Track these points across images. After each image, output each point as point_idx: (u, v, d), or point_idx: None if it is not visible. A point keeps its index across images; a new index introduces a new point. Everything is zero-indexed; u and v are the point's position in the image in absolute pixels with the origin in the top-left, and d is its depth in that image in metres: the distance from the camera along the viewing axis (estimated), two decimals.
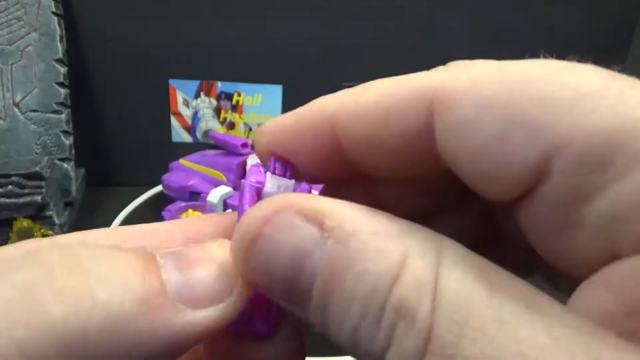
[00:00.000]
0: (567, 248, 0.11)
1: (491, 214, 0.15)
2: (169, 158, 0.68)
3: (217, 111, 0.67)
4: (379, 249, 0.11)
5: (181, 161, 0.59)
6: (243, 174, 0.54)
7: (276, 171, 0.14)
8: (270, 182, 0.14)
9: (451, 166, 0.12)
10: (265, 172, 0.14)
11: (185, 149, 0.68)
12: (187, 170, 0.58)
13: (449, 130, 0.11)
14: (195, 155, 0.60)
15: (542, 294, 0.10)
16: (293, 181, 0.14)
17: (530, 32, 0.64)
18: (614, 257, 0.10)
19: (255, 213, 0.12)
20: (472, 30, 0.64)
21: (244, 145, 0.57)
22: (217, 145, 0.60)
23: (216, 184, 0.54)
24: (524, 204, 0.12)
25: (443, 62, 0.13)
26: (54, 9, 0.57)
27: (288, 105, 0.67)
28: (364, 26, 0.64)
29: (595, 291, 0.11)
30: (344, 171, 0.14)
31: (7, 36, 0.57)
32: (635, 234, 0.10)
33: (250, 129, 0.68)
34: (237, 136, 0.60)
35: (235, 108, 0.67)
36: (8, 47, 0.57)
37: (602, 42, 0.65)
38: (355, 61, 0.65)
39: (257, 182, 0.14)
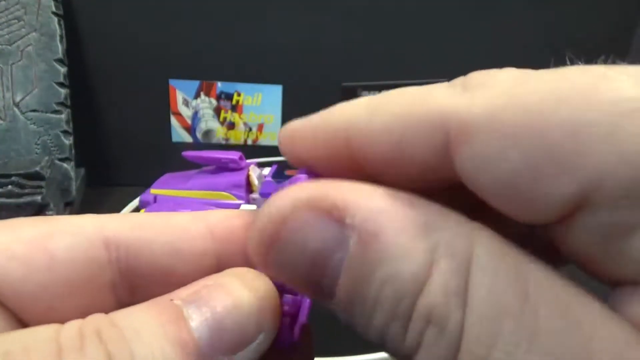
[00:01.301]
0: (607, 269, 0.10)
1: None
2: (169, 158, 0.68)
3: (217, 111, 0.67)
4: (405, 249, 0.10)
5: (155, 191, 0.49)
6: (248, 189, 0.48)
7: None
8: None
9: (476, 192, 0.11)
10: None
11: (185, 149, 0.68)
12: (171, 200, 0.48)
13: (470, 162, 0.10)
14: (172, 181, 0.51)
15: (579, 293, 0.09)
16: None
17: (530, 32, 0.64)
18: None
19: (270, 212, 0.11)
20: (473, 30, 0.64)
21: (241, 158, 0.51)
22: (197, 163, 0.52)
23: (222, 207, 0.48)
24: (559, 229, 0.11)
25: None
26: (54, 9, 0.57)
27: (288, 105, 0.67)
28: (363, 26, 0.64)
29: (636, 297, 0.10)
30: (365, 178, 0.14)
31: (7, 36, 0.57)
32: None
33: (250, 129, 0.68)
34: (225, 151, 0.51)
35: (235, 108, 0.67)
36: (8, 47, 0.57)
37: (602, 42, 0.65)
38: (355, 61, 0.65)
39: None
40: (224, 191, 0.48)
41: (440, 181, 0.12)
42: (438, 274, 0.10)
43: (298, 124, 0.14)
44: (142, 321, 0.11)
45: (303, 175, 0.13)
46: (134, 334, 0.11)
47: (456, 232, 0.10)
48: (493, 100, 0.10)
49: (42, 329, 0.11)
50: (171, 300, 0.12)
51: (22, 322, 0.12)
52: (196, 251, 0.14)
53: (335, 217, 0.11)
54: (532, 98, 0.10)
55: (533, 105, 0.09)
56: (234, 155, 0.49)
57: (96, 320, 0.11)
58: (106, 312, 0.12)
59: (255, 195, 0.47)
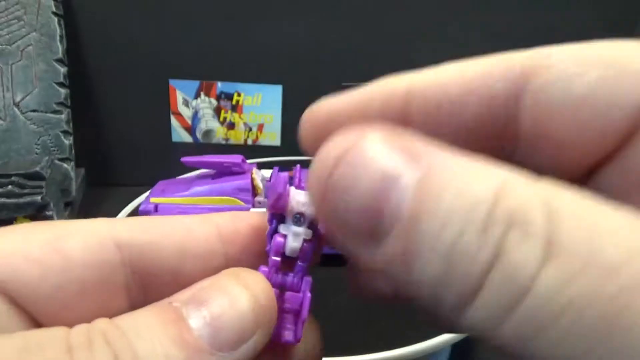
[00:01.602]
0: None
1: None
2: (169, 158, 0.68)
3: (217, 111, 0.67)
4: (479, 170, 0.10)
5: (156, 200, 0.47)
6: (253, 192, 0.48)
7: (302, 182, 0.14)
8: (296, 196, 0.14)
9: (537, 133, 0.12)
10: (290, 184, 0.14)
11: (185, 149, 0.68)
12: (174, 208, 0.47)
13: (548, 85, 0.11)
14: (169, 188, 0.49)
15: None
16: None
17: (530, 32, 0.64)
18: None
19: (337, 139, 0.11)
20: (472, 30, 0.64)
21: (243, 161, 0.50)
22: (192, 167, 0.51)
23: (226, 210, 0.45)
24: (603, 169, 0.11)
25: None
26: (54, 9, 0.57)
27: (288, 105, 0.67)
28: (364, 26, 0.64)
29: None
30: None
31: (7, 36, 0.57)
32: None
33: (250, 129, 0.68)
34: (226, 155, 0.50)
35: (235, 108, 0.67)
36: (8, 47, 0.57)
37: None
38: (355, 61, 0.65)
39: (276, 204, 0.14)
40: (230, 196, 0.47)
41: (492, 144, 0.12)
42: (515, 188, 0.09)
43: (331, 99, 0.14)
44: (143, 323, 0.12)
45: None
46: (136, 334, 0.11)
47: (518, 174, 0.10)
48: (567, 46, 0.12)
49: (54, 330, 0.11)
50: (170, 303, 0.12)
51: (37, 322, 0.12)
52: (204, 252, 0.14)
53: (404, 147, 0.10)
54: (603, 44, 0.11)
55: (606, 45, 0.11)
56: (237, 158, 0.48)
57: (101, 323, 0.12)
58: (119, 312, 0.13)
59: (260, 199, 0.47)
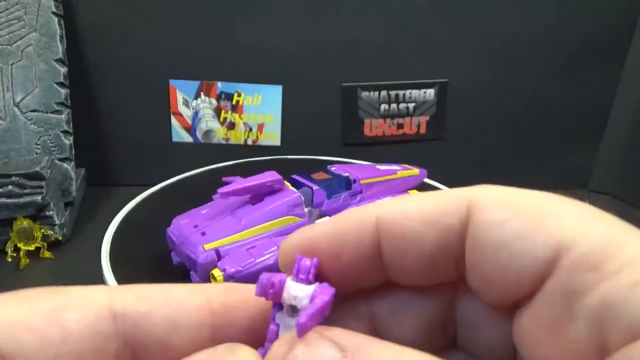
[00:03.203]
0: (559, 348, 0.13)
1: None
2: (169, 158, 0.68)
3: (217, 111, 0.67)
4: (388, 355, 0.12)
5: (211, 245, 0.41)
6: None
7: (299, 273, 0.15)
8: (290, 289, 0.14)
9: (473, 265, 0.14)
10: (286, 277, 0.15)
11: (185, 149, 0.68)
12: (240, 247, 0.41)
13: (481, 225, 0.14)
14: (206, 223, 0.43)
15: None
16: (314, 287, 0.14)
17: (530, 32, 0.64)
18: (604, 354, 0.12)
19: (281, 341, 0.13)
20: (472, 31, 0.64)
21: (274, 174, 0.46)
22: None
23: (292, 230, 0.34)
24: (524, 307, 0.14)
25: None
26: (54, 9, 0.57)
27: (288, 105, 0.67)
28: (363, 26, 0.64)
29: None
30: (375, 277, 0.16)
31: (7, 36, 0.57)
32: (622, 326, 0.11)
33: (250, 129, 0.68)
34: (258, 176, 0.45)
35: (235, 108, 0.67)
36: (8, 47, 0.57)
37: (602, 42, 0.65)
38: (355, 61, 0.65)
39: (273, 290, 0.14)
40: (286, 215, 0.44)
41: (440, 276, 0.15)
42: None
43: (309, 227, 0.16)
44: None
45: (309, 261, 0.15)
46: None
47: None
48: (504, 189, 0.14)
49: None
50: None
51: None
52: (192, 324, 0.14)
53: (334, 340, 0.13)
54: (530, 194, 0.14)
55: (532, 196, 0.14)
56: (274, 175, 0.45)
57: None
58: None
59: (307, 209, 0.46)
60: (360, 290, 0.16)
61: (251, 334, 0.15)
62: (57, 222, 0.52)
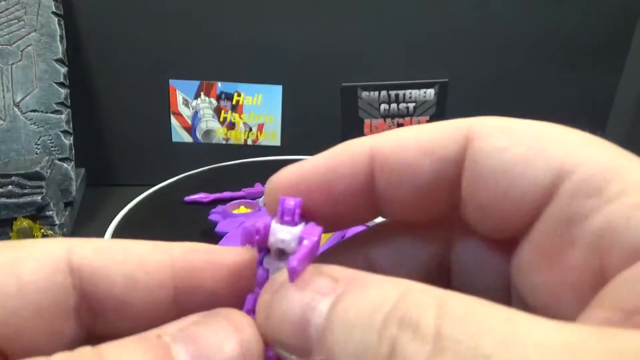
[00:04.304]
0: (556, 277, 0.13)
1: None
2: (169, 158, 0.68)
3: (217, 111, 0.67)
4: (385, 283, 0.12)
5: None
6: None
7: (284, 215, 0.14)
8: (276, 233, 0.14)
9: (471, 195, 0.14)
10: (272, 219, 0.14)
11: (185, 149, 0.68)
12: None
13: (481, 152, 0.13)
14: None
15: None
16: (300, 227, 0.14)
17: (530, 31, 0.64)
18: (602, 281, 0.11)
19: (278, 275, 0.13)
20: (472, 31, 0.64)
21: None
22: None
23: None
24: (521, 239, 0.13)
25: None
26: (54, 9, 0.57)
27: (288, 105, 0.67)
28: (363, 26, 0.64)
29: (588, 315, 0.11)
30: (365, 213, 0.15)
31: (7, 36, 0.57)
32: (623, 248, 0.11)
33: (250, 129, 0.68)
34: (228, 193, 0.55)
35: (235, 108, 0.67)
36: (8, 47, 0.57)
37: (602, 42, 0.65)
38: (355, 61, 0.65)
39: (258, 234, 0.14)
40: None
41: (434, 210, 0.15)
42: (411, 294, 0.11)
43: (296, 165, 0.15)
44: (130, 356, 0.11)
45: (297, 200, 0.14)
46: None
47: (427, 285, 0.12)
48: (504, 118, 0.14)
49: None
50: (159, 336, 0.12)
51: None
52: (153, 284, 0.14)
53: (328, 273, 0.12)
54: (531, 122, 0.14)
55: (532, 124, 0.13)
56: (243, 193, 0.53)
57: (83, 353, 0.11)
58: (72, 336, 0.13)
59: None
60: (347, 227, 0.16)
61: (216, 298, 0.14)
62: (57, 222, 0.52)
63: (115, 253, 0.14)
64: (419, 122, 0.68)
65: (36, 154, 0.57)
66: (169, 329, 0.12)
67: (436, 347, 0.10)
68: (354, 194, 0.15)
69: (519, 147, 0.13)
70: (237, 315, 0.13)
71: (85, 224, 0.58)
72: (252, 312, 0.14)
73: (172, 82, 0.65)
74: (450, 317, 0.10)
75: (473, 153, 0.13)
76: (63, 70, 0.57)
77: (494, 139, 0.13)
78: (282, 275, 0.13)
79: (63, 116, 0.57)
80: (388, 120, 0.68)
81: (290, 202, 0.14)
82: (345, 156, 0.15)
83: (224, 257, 0.14)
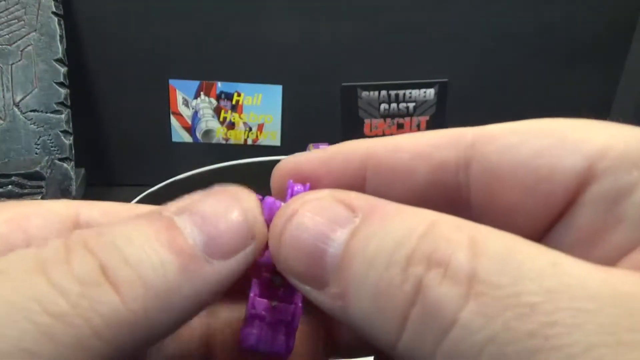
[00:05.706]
0: (602, 256, 0.12)
1: None
2: (169, 158, 0.68)
3: (217, 111, 0.67)
4: (409, 214, 0.11)
5: None
6: None
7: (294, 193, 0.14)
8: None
9: (489, 201, 0.13)
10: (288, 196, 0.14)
11: (185, 149, 0.68)
12: None
13: (494, 154, 0.13)
14: None
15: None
16: None
17: (530, 31, 0.64)
18: None
19: (293, 200, 0.13)
20: (472, 30, 0.64)
21: None
22: None
23: None
24: (552, 230, 0.13)
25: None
26: (54, 9, 0.57)
27: (288, 105, 0.67)
28: (363, 26, 0.64)
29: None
30: None
31: (7, 36, 0.57)
32: None
33: (250, 129, 0.68)
34: None
35: (235, 108, 0.67)
36: (8, 47, 0.57)
37: (602, 42, 0.65)
38: (355, 61, 0.65)
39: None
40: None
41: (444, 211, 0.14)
42: (440, 227, 0.10)
43: (300, 154, 0.15)
44: (132, 230, 0.11)
45: (302, 186, 0.14)
46: (126, 240, 0.11)
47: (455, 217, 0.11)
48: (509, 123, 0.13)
49: (22, 251, 0.11)
50: (160, 212, 0.12)
51: None
52: None
53: (345, 201, 0.12)
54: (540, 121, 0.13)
55: (543, 122, 0.13)
56: None
57: (80, 233, 0.11)
58: None
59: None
60: None
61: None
62: None
63: (122, 214, 0.14)
64: (419, 122, 0.68)
65: (36, 154, 0.57)
66: (171, 208, 0.13)
67: (470, 291, 0.09)
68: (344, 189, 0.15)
69: (536, 139, 0.12)
70: (236, 189, 0.13)
71: None
72: (258, 297, 0.14)
73: (172, 82, 0.65)
74: (487, 257, 0.09)
75: (484, 157, 0.13)
76: (63, 70, 0.57)
77: (504, 139, 0.13)
78: (296, 201, 0.13)
79: (63, 116, 0.57)
80: (388, 120, 0.68)
81: (300, 187, 0.14)
82: (340, 153, 0.15)
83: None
